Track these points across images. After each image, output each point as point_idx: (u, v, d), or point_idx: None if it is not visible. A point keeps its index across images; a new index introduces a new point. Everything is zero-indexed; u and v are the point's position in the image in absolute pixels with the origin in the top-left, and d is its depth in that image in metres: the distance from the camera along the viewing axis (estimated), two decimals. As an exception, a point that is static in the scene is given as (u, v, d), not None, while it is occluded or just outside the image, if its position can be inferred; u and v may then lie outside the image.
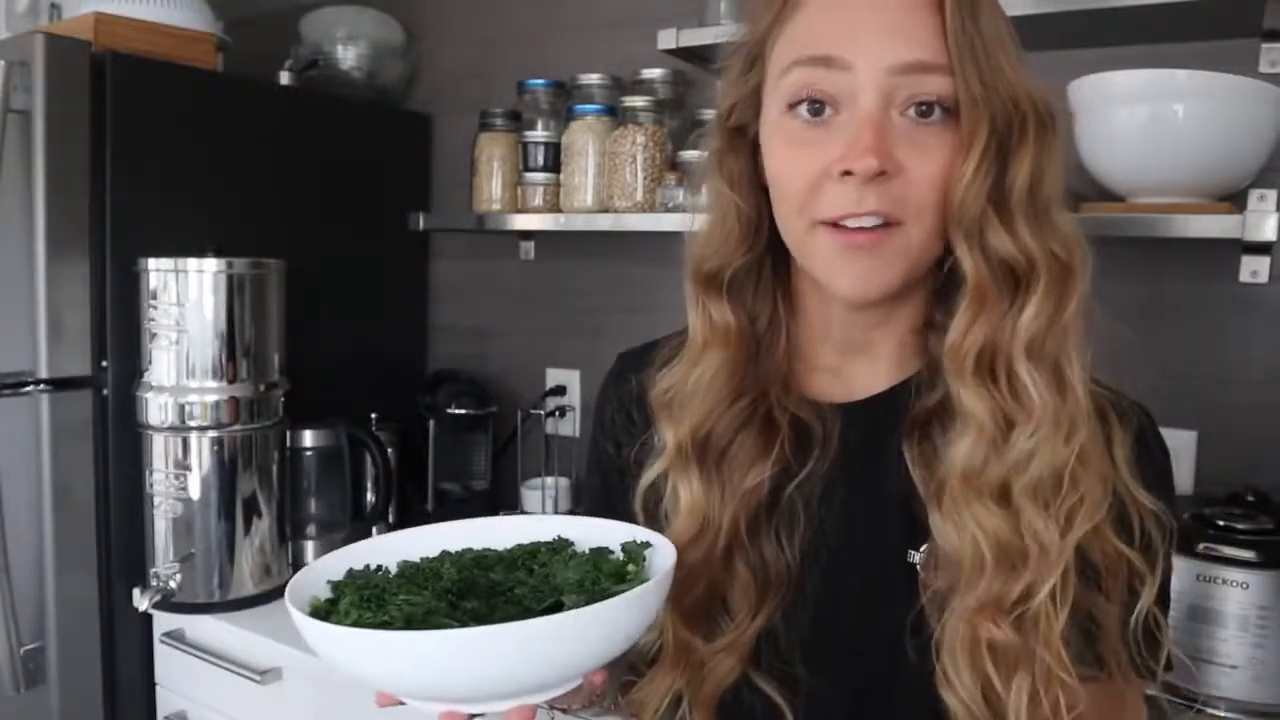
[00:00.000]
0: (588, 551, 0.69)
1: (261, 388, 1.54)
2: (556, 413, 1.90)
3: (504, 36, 1.99)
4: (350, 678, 0.59)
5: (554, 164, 1.72)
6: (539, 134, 1.72)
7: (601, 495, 0.86)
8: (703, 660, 0.73)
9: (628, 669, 0.77)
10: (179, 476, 1.49)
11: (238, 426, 1.51)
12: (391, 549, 0.71)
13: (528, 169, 1.73)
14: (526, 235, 1.97)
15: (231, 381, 1.51)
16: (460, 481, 1.91)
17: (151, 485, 1.51)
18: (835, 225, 0.67)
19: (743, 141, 0.75)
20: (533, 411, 1.88)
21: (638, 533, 0.70)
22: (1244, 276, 1.32)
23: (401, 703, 0.61)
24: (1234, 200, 1.20)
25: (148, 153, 1.58)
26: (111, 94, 1.52)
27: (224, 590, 1.52)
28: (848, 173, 0.64)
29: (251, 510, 1.54)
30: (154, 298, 1.48)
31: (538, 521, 0.75)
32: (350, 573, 0.69)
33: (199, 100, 1.66)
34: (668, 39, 1.53)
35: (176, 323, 1.48)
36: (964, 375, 0.67)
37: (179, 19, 1.66)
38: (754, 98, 0.73)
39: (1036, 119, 0.66)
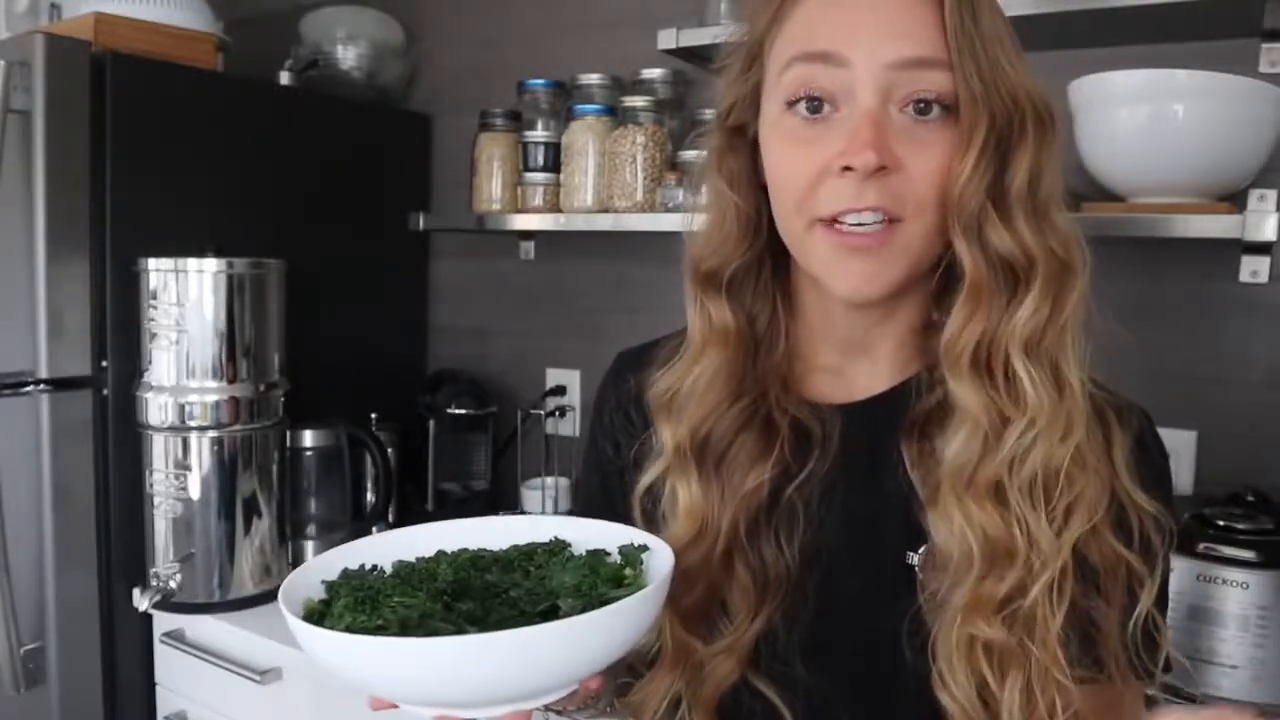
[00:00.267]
0: (585, 554, 0.68)
1: (261, 388, 1.54)
2: (556, 413, 1.90)
3: (504, 36, 1.99)
4: (342, 681, 0.59)
5: (554, 164, 1.72)
6: (539, 134, 1.72)
7: (600, 495, 0.86)
8: (702, 662, 0.73)
9: (626, 670, 0.77)
10: (179, 476, 1.49)
11: (238, 426, 1.51)
12: (387, 548, 0.71)
13: (528, 169, 1.73)
14: (526, 235, 1.97)
15: (231, 381, 1.51)
16: (460, 481, 1.91)
17: (151, 485, 1.51)
18: (834, 225, 0.67)
19: (742, 141, 0.75)
20: (533, 411, 1.88)
21: (635, 535, 0.70)
22: (1244, 276, 1.32)
23: (395, 706, 0.61)
24: (1234, 200, 1.20)
25: (148, 153, 1.58)
26: (111, 94, 1.52)
27: (224, 590, 1.52)
28: (847, 168, 0.64)
29: (251, 510, 1.54)
30: (154, 298, 1.48)
31: (534, 522, 0.75)
32: (345, 572, 0.68)
33: (199, 100, 1.66)
34: (668, 39, 1.53)
35: (176, 323, 1.48)
36: (959, 370, 0.67)
37: (179, 19, 1.66)
38: (753, 96, 0.73)
39: (1036, 117, 0.66)
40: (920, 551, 0.70)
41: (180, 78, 1.63)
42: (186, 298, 1.48)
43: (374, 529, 1.69)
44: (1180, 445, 1.36)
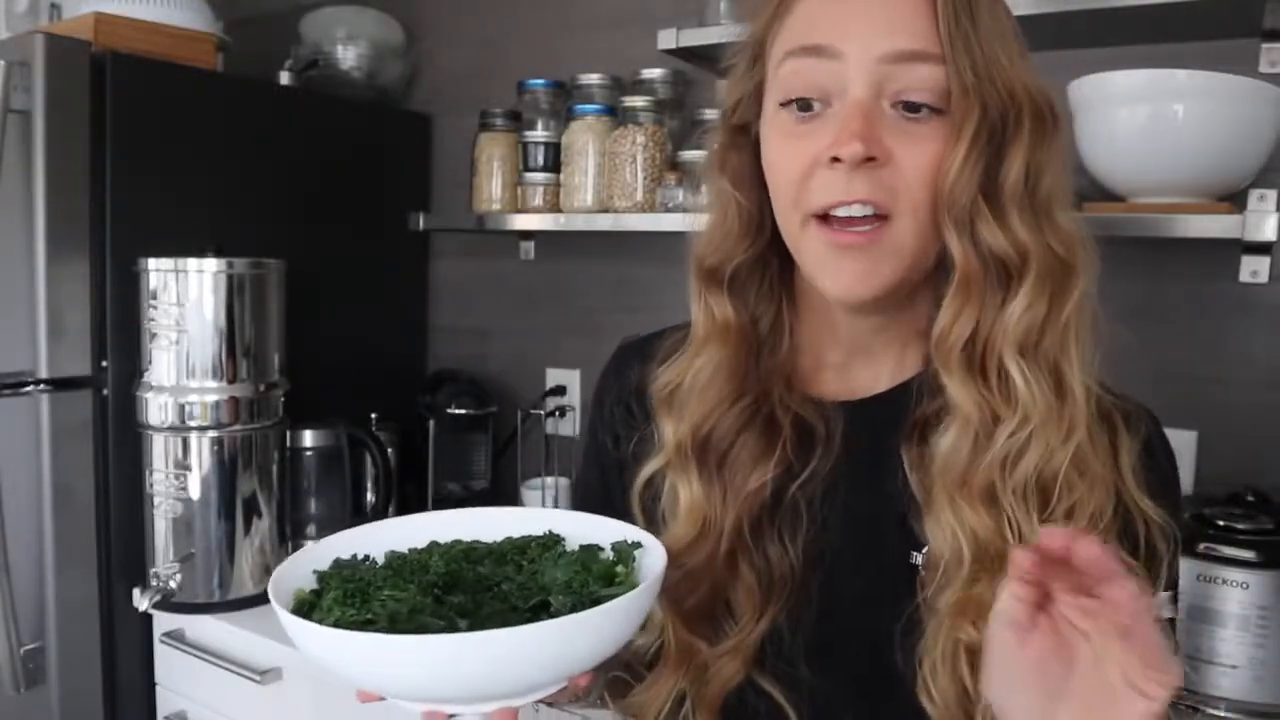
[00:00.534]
0: (577, 550, 0.68)
1: (261, 388, 1.54)
2: (556, 413, 1.90)
3: (504, 36, 1.99)
4: (330, 674, 0.59)
5: (554, 164, 1.72)
6: (539, 134, 1.72)
7: (599, 491, 0.85)
8: (706, 663, 0.73)
9: (622, 667, 0.77)
10: (179, 476, 1.49)
11: (238, 426, 1.51)
12: (380, 537, 0.71)
13: (528, 169, 1.73)
14: (526, 235, 1.97)
15: (231, 381, 1.50)
16: (460, 481, 1.91)
17: (151, 485, 1.51)
18: (826, 220, 0.67)
19: (745, 139, 0.75)
20: (533, 411, 1.88)
21: (629, 532, 0.69)
22: (1244, 276, 1.32)
23: (382, 698, 0.61)
24: (1234, 200, 1.19)
25: (148, 153, 1.57)
26: (111, 94, 1.52)
27: (224, 590, 1.52)
28: (836, 160, 0.64)
29: (251, 510, 1.54)
30: (154, 298, 1.48)
31: (529, 514, 0.75)
32: (337, 562, 0.68)
33: (199, 100, 1.66)
34: (668, 39, 1.53)
35: (176, 323, 1.48)
36: (950, 366, 0.67)
37: (179, 19, 1.66)
38: (756, 95, 0.73)
39: (1034, 112, 0.66)
40: (924, 552, 0.70)
41: (180, 78, 1.63)
42: (186, 298, 1.48)
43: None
44: (1180, 445, 1.34)
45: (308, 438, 1.68)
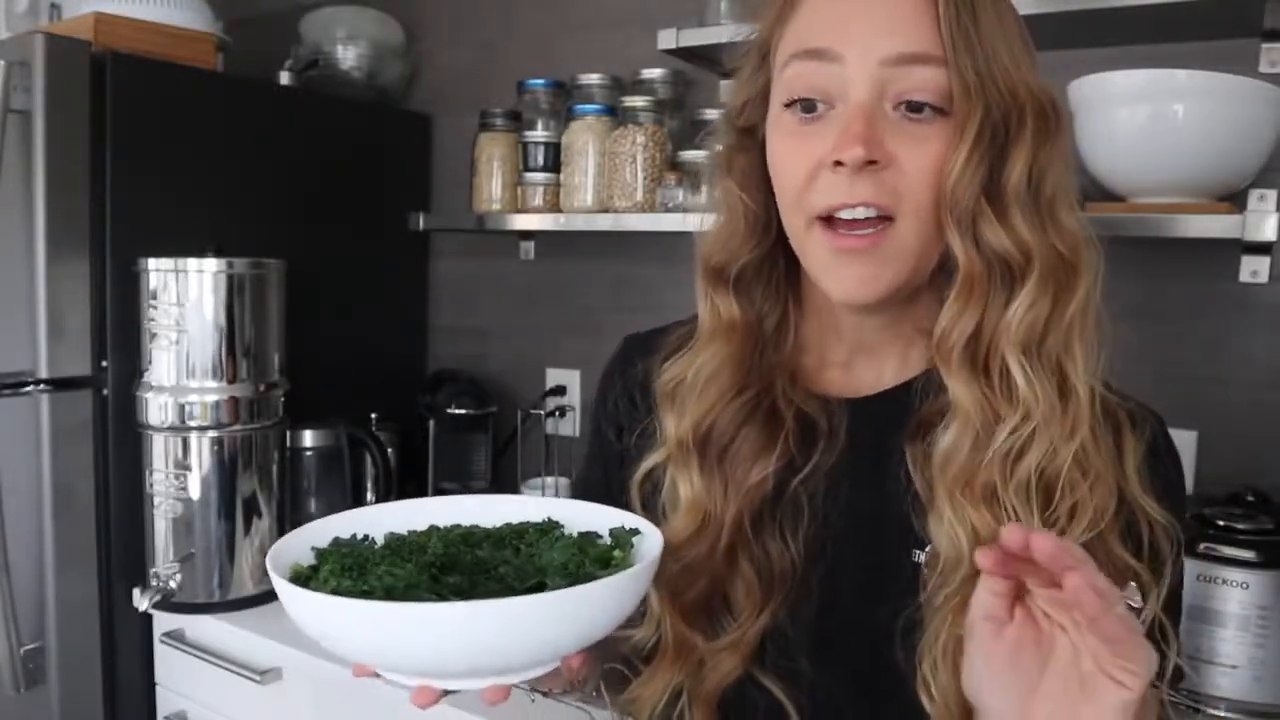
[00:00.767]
0: (575, 535, 0.68)
1: (261, 388, 1.54)
2: (556, 413, 1.90)
3: (504, 36, 1.99)
4: (325, 645, 0.59)
5: (554, 164, 1.72)
6: (539, 134, 1.72)
7: (601, 489, 0.85)
8: (703, 658, 0.73)
9: (621, 662, 0.77)
10: (179, 476, 1.49)
11: (238, 426, 1.51)
12: (381, 520, 0.71)
13: (528, 169, 1.73)
14: (526, 235, 1.97)
15: (231, 381, 1.51)
16: (460, 481, 1.91)
17: (151, 485, 1.51)
18: (830, 223, 0.67)
19: (752, 141, 0.75)
20: (533, 411, 1.88)
21: (627, 519, 0.70)
22: (1244, 276, 1.32)
23: (377, 675, 0.61)
24: (1234, 200, 1.20)
25: (148, 153, 1.58)
26: (111, 94, 1.52)
27: (224, 590, 1.52)
28: (839, 163, 0.64)
29: (251, 510, 1.54)
30: (154, 298, 1.48)
31: (529, 502, 0.75)
32: (336, 541, 0.68)
33: (199, 100, 1.66)
34: (668, 39, 1.53)
35: (176, 323, 1.48)
36: (951, 364, 0.67)
37: (179, 19, 1.66)
38: (762, 96, 0.73)
39: (1037, 113, 0.66)
40: (927, 550, 0.70)
41: (180, 78, 1.63)
42: (186, 298, 1.48)
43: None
44: (1180, 445, 1.32)
45: (308, 438, 1.68)
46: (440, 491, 1.87)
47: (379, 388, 1.91)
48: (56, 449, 1.49)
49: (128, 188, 1.55)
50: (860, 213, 0.65)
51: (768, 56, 0.72)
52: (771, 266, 0.76)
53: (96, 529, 1.53)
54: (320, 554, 0.66)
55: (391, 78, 2.03)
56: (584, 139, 1.66)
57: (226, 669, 1.46)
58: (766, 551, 0.73)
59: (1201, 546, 1.13)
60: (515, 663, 0.59)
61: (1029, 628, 0.56)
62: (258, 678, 1.42)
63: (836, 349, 0.77)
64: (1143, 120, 1.17)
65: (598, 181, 1.65)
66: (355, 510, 0.73)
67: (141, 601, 1.49)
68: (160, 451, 1.50)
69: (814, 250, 0.69)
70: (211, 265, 1.48)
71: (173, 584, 1.49)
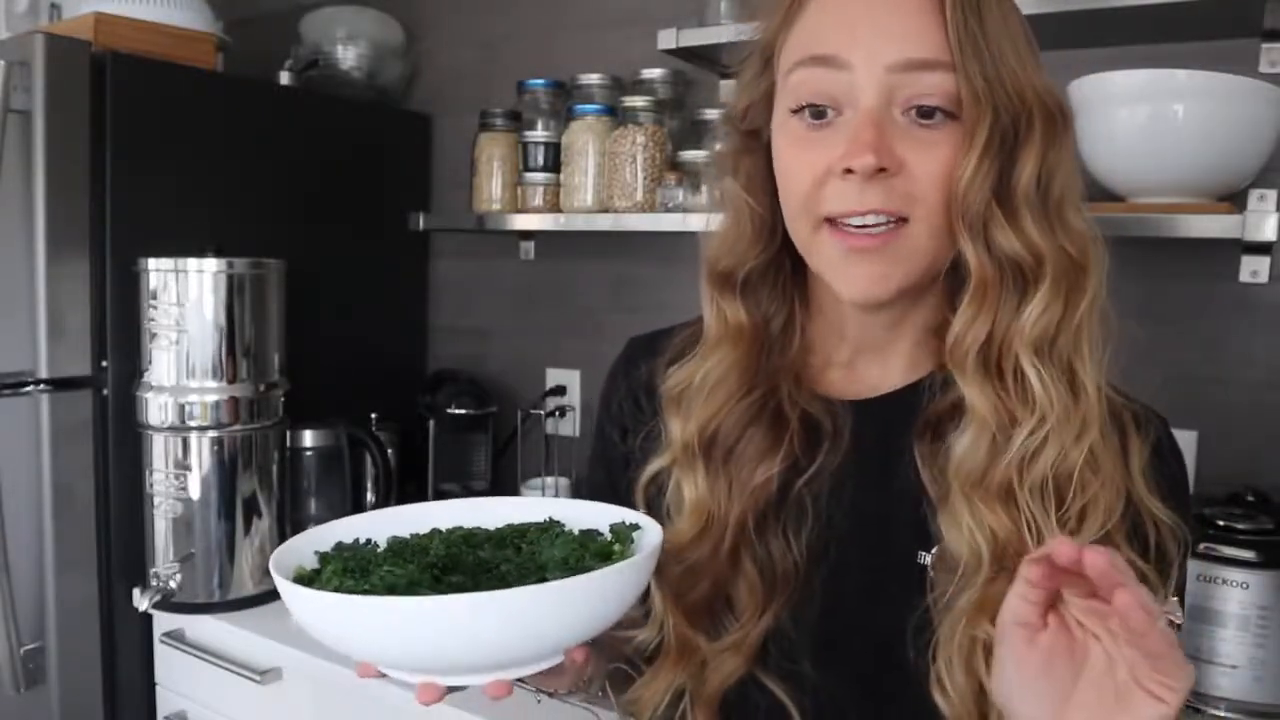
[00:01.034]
0: (576, 532, 0.69)
1: (261, 388, 1.54)
2: (556, 413, 1.90)
3: (504, 36, 1.99)
4: (329, 644, 0.59)
5: (554, 164, 1.72)
6: (539, 134, 1.72)
7: (605, 490, 0.85)
8: (706, 659, 0.73)
9: (625, 661, 0.77)
10: (179, 476, 1.49)
11: (238, 426, 1.51)
12: (383, 524, 0.72)
13: (528, 169, 1.73)
14: (526, 235, 1.97)
15: (231, 381, 1.51)
16: (460, 481, 1.91)
17: (151, 485, 1.51)
18: (838, 225, 0.67)
19: (757, 144, 0.75)
20: (533, 411, 1.88)
21: (627, 515, 0.70)
22: (1244, 276, 1.32)
23: (383, 675, 0.61)
24: (1234, 200, 1.20)
25: (148, 153, 1.57)
26: (111, 94, 1.52)
27: (224, 590, 1.52)
28: (849, 171, 0.64)
29: (251, 510, 1.54)
30: (154, 298, 1.48)
31: (530, 503, 0.75)
32: (338, 545, 0.69)
33: (199, 100, 1.66)
34: (668, 39, 1.52)
35: (176, 323, 1.48)
36: (965, 370, 0.67)
37: (179, 19, 1.66)
38: (766, 100, 0.73)
39: (1045, 115, 0.66)
40: (933, 551, 0.70)
41: (180, 78, 1.63)
42: (186, 298, 1.48)
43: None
44: (1180, 445, 1.35)
45: (308, 438, 1.68)
46: (440, 492, 1.87)
47: (379, 388, 1.91)
48: (56, 449, 1.49)
49: (128, 188, 1.55)
50: (871, 220, 0.66)
51: (771, 60, 0.72)
52: (778, 269, 0.76)
53: (96, 529, 1.53)
54: (323, 557, 0.66)
55: (391, 78, 2.03)
56: (584, 139, 1.66)
57: (226, 669, 1.46)
58: (769, 552, 0.73)
59: (1201, 546, 1.13)
60: (518, 656, 0.59)
61: (1062, 635, 0.56)
62: (258, 678, 1.42)
63: (841, 349, 0.77)
64: (1143, 120, 1.17)
65: (598, 181, 1.65)
66: (357, 515, 0.73)
67: (141, 601, 1.49)
68: (160, 451, 1.50)
69: (823, 250, 0.69)
70: (211, 265, 1.48)
71: (173, 584, 1.49)
